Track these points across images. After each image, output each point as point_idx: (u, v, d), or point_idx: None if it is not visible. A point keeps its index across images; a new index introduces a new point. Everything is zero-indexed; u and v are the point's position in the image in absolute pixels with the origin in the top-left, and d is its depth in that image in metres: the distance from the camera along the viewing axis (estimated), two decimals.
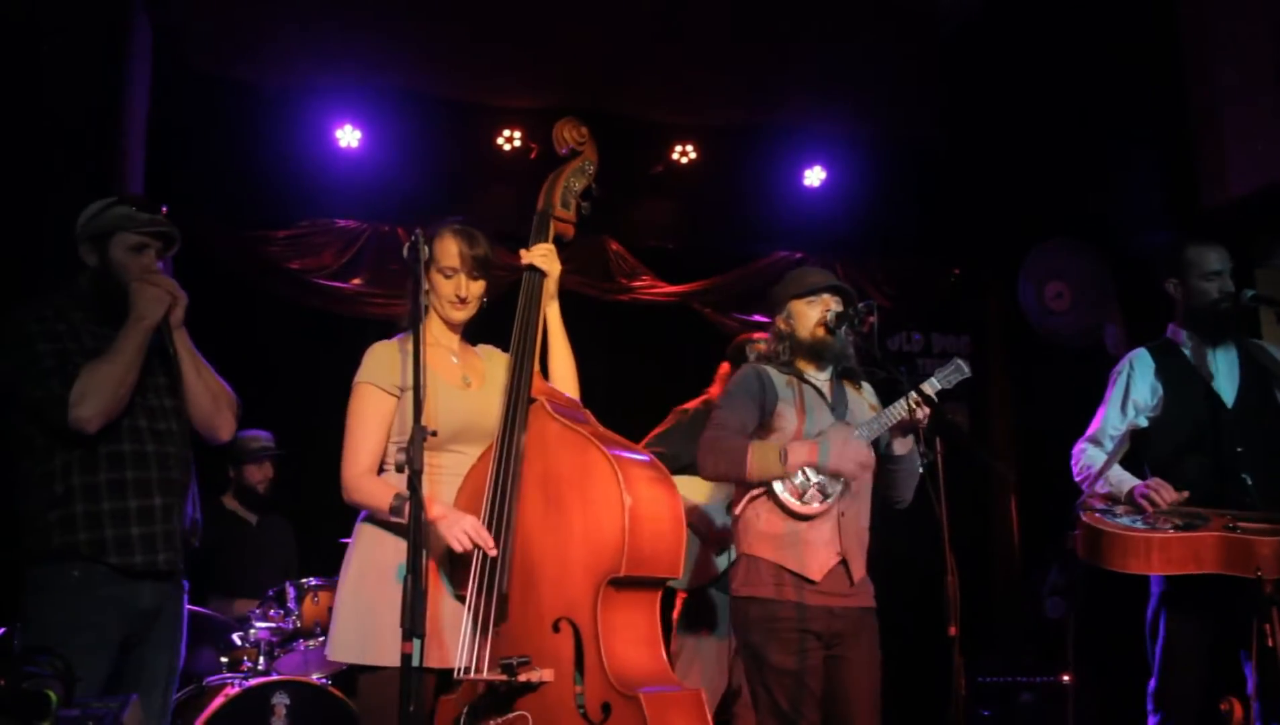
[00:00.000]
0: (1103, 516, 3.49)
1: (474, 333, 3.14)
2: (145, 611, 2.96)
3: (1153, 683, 3.60)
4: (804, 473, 3.18)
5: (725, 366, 4.50)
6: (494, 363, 3.08)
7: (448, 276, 2.98)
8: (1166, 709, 3.56)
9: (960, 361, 3.34)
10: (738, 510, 3.31)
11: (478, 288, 3.01)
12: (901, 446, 3.27)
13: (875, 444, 3.26)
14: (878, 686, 3.24)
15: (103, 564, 2.89)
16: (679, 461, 3.98)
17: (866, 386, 3.45)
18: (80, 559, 2.88)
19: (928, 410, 3.14)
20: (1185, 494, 3.46)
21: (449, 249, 2.96)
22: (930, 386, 3.24)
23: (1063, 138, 6.27)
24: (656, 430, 4.36)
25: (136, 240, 3.05)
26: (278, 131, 6.00)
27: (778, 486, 3.20)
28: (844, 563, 3.22)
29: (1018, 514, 6.92)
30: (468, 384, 3.00)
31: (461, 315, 3.02)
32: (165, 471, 3.01)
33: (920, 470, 3.21)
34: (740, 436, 3.20)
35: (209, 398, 3.11)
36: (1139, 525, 3.42)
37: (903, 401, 3.17)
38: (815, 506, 3.19)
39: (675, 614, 4.32)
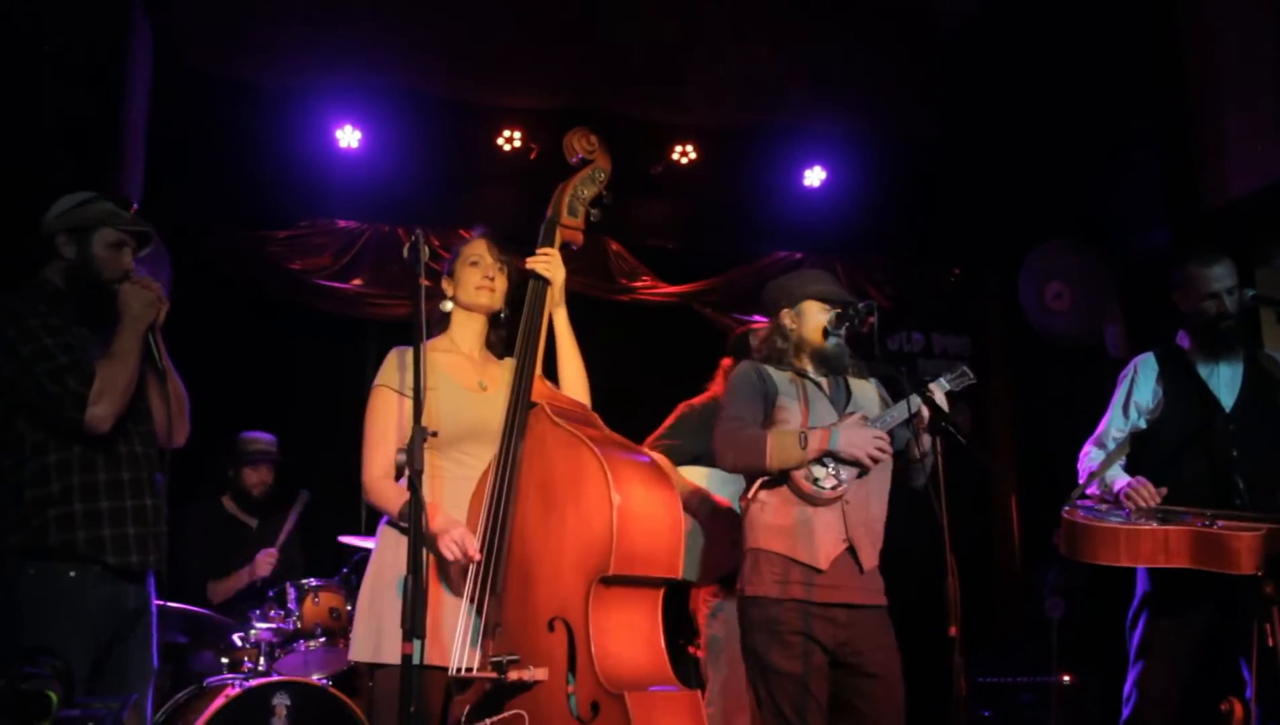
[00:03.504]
0: (1085, 513, 3.51)
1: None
2: (131, 611, 2.97)
3: (1128, 680, 3.62)
4: (823, 458, 3.17)
5: (727, 361, 4.42)
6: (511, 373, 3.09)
7: (474, 264, 3.05)
8: (1136, 702, 3.57)
9: (965, 368, 3.36)
10: (745, 501, 3.29)
11: (503, 281, 3.08)
12: (918, 448, 3.25)
13: (893, 442, 3.24)
14: (902, 700, 3.19)
15: (98, 563, 2.89)
16: (689, 452, 4.00)
17: (874, 380, 3.44)
18: (77, 558, 2.87)
19: (929, 413, 3.13)
20: (1164, 491, 3.48)
21: (478, 245, 3.07)
22: (939, 387, 3.24)
23: (1063, 138, 6.27)
24: (665, 425, 4.28)
25: (117, 237, 3.02)
26: (278, 131, 5.99)
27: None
28: (851, 550, 3.19)
29: (1018, 514, 6.92)
30: (483, 388, 3.02)
31: (487, 300, 3.06)
32: (152, 472, 3.03)
33: (933, 461, 3.14)
34: (756, 427, 3.20)
35: (176, 403, 3.11)
36: (1115, 520, 3.44)
37: (911, 399, 3.13)
38: (828, 488, 3.16)
39: (702, 615, 4.26)
